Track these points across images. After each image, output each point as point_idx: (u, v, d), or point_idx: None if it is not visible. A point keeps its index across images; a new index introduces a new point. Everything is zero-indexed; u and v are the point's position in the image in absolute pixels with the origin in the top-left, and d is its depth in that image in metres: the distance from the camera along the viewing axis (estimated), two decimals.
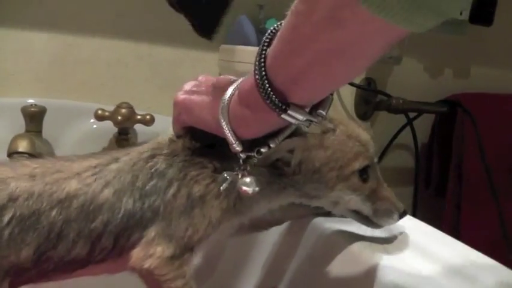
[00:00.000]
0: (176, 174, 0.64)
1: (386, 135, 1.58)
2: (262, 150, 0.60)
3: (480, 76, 1.66)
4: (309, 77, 0.52)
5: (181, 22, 1.29)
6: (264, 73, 0.53)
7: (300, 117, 0.55)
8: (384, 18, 0.42)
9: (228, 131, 0.59)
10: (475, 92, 1.60)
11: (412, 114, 1.55)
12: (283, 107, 0.53)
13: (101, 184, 0.64)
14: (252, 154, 0.60)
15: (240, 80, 0.60)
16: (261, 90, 0.53)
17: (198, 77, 0.69)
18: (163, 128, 0.98)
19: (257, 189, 0.60)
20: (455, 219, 1.56)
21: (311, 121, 0.56)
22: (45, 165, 0.66)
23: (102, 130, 1.19)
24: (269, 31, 0.55)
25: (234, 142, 0.59)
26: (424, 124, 1.61)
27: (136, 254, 0.62)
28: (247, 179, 0.60)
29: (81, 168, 0.65)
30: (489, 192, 1.50)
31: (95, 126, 1.21)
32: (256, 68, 0.53)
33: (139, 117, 1.14)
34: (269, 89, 0.53)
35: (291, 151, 0.63)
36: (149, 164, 0.65)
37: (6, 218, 0.60)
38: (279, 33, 0.52)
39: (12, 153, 0.99)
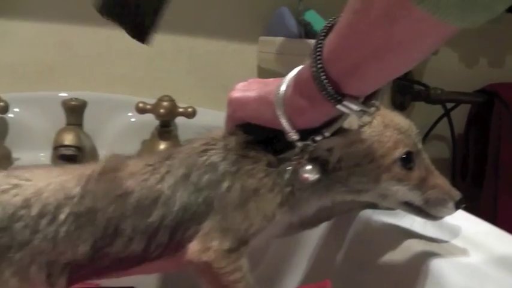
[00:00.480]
0: (229, 168, 0.65)
1: (423, 126, 1.57)
2: (317, 138, 0.60)
3: None
4: (364, 70, 0.53)
5: (221, 14, 1.31)
6: (320, 65, 0.54)
7: (355, 107, 0.56)
8: (438, 18, 0.45)
9: (285, 121, 0.60)
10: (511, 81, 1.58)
11: (449, 105, 1.54)
12: (339, 98, 0.55)
13: (156, 179, 0.64)
14: (308, 142, 0.61)
15: (292, 74, 0.61)
16: (317, 81, 0.55)
17: (248, 80, 0.71)
18: (204, 120, 0.99)
19: (317, 176, 0.62)
20: (492, 210, 1.55)
21: (364, 111, 0.57)
22: (100, 165, 0.67)
23: (142, 123, 1.20)
24: (324, 25, 0.57)
25: (291, 131, 0.60)
26: (460, 114, 1.59)
27: (193, 247, 0.63)
28: (307, 167, 0.61)
29: (136, 168, 0.66)
30: None
31: (132, 119, 1.22)
32: (313, 60, 0.55)
33: (181, 110, 1.14)
34: (325, 81, 0.54)
35: (330, 150, 0.63)
36: (202, 158, 0.66)
37: (62, 216, 0.61)
38: (335, 29, 0.54)
39: (58, 147, 1.01)
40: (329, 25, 0.56)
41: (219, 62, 1.33)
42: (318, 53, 0.55)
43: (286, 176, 0.62)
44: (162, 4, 0.67)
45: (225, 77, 1.33)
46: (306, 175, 0.62)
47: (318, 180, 0.63)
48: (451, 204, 0.66)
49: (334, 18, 0.56)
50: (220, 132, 0.69)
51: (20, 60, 1.21)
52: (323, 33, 0.56)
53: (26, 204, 0.61)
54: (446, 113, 1.54)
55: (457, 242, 0.69)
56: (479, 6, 0.44)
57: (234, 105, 0.67)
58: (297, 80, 0.60)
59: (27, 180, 0.64)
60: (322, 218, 0.78)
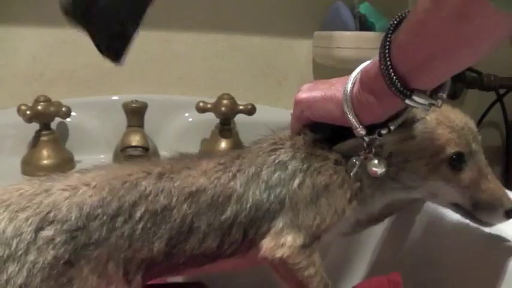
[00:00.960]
0: (300, 166, 0.66)
1: (477, 113, 1.55)
2: (383, 132, 0.63)
3: None
4: (434, 65, 0.55)
5: (275, 11, 1.32)
6: (389, 62, 0.56)
7: (423, 101, 0.57)
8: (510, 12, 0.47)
9: (352, 117, 0.62)
10: None
11: (501, 91, 1.52)
12: (408, 93, 0.56)
13: (228, 177, 0.66)
14: (375, 136, 0.63)
15: (357, 71, 0.63)
16: (386, 78, 0.57)
17: (313, 81, 0.73)
18: (262, 117, 1.00)
19: (384, 169, 0.63)
20: None
21: (432, 104, 0.58)
22: (172, 162, 0.69)
23: (199, 123, 1.22)
24: (390, 22, 0.58)
25: (358, 126, 0.62)
26: None
27: (267, 244, 0.64)
28: (375, 161, 0.63)
29: (209, 167, 0.67)
30: None
31: (190, 119, 1.25)
32: (381, 57, 0.57)
33: (241, 107, 1.15)
34: (394, 77, 0.56)
35: (381, 146, 0.65)
36: (272, 157, 0.68)
37: (138, 214, 0.63)
38: (404, 26, 0.56)
39: (125, 148, 1.03)
40: (395, 22, 0.58)
41: (275, 59, 1.34)
42: (386, 50, 0.57)
43: (354, 170, 0.64)
44: (144, 8, 0.62)
45: (281, 73, 1.35)
46: (374, 169, 0.63)
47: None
48: (501, 212, 0.65)
49: (400, 15, 0.58)
50: (286, 133, 0.72)
51: (78, 66, 1.24)
52: (390, 31, 0.58)
53: (102, 203, 0.63)
54: (499, 99, 1.52)
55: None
56: None
57: (302, 106, 0.69)
58: (364, 77, 0.61)
59: (101, 180, 0.65)
60: (385, 213, 0.78)
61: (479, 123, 1.55)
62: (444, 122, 0.66)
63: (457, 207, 0.67)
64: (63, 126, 1.18)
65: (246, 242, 0.65)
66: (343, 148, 0.66)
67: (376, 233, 0.86)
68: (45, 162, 1.08)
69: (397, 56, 0.56)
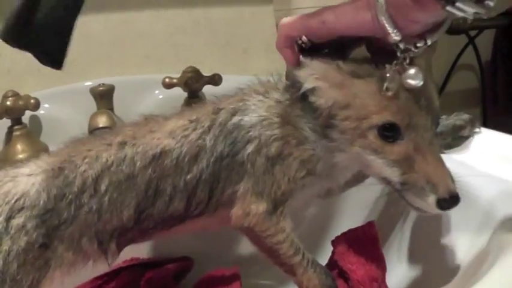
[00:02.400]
0: (257, 131, 0.64)
1: (449, 57, 1.56)
2: (419, 44, 0.56)
3: None
4: None
5: None
6: None
7: (469, 9, 0.51)
8: None
9: (386, 21, 0.55)
10: None
11: (472, 33, 1.52)
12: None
13: (198, 134, 0.65)
14: (410, 47, 0.56)
15: None
16: None
17: None
18: (230, 86, 1.00)
19: (422, 82, 0.56)
20: None
21: (478, 13, 0.51)
22: (135, 129, 0.68)
23: (170, 98, 1.20)
24: None
25: (393, 31, 0.55)
26: (485, 41, 1.58)
27: (235, 213, 0.65)
28: (412, 70, 0.56)
29: (177, 125, 0.66)
30: None
31: (160, 96, 1.24)
32: None
33: (207, 78, 1.14)
34: None
35: (313, 90, 0.61)
36: (236, 117, 0.66)
37: (103, 187, 0.63)
38: None
39: (93, 130, 1.03)
40: None
41: (238, 28, 1.33)
42: None
43: (392, 86, 0.56)
44: (73, 20, 0.62)
45: (245, 42, 1.34)
46: (410, 81, 0.55)
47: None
48: (431, 199, 0.56)
49: None
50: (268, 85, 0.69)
51: None
52: None
53: (67, 182, 0.63)
54: (471, 41, 1.53)
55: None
56: None
57: (326, 15, 0.59)
58: None
59: (63, 160, 0.66)
60: (360, 177, 0.75)
61: (452, 68, 1.56)
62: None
63: (387, 183, 0.60)
64: (35, 119, 1.18)
65: (212, 202, 0.65)
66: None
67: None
68: (20, 156, 1.07)
69: None
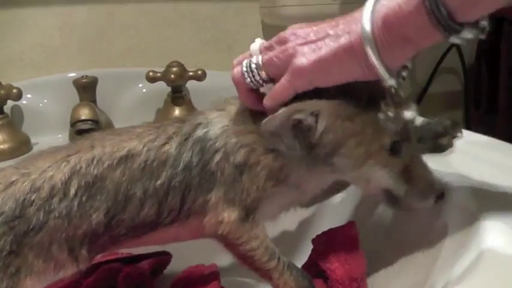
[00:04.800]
0: (224, 140, 0.65)
1: (433, 60, 1.56)
2: (404, 74, 0.58)
3: None
4: None
5: None
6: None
7: (470, 36, 0.51)
8: None
9: (381, 67, 0.54)
10: None
11: None
12: (458, 29, 0.50)
13: (163, 140, 0.65)
14: (400, 80, 0.58)
15: (370, 10, 0.54)
16: (434, 16, 0.50)
17: (284, 34, 0.61)
18: (214, 82, 1.00)
19: (415, 114, 0.60)
20: (508, 134, 1.55)
21: (477, 36, 0.52)
22: (104, 135, 0.68)
23: (154, 92, 1.21)
24: None
25: (389, 77, 0.55)
26: (469, 44, 1.58)
27: (208, 222, 0.65)
28: (407, 103, 0.60)
29: (143, 131, 0.67)
30: None
31: (144, 90, 1.24)
32: None
33: (191, 73, 1.15)
34: (443, 12, 0.49)
35: (316, 115, 0.60)
36: (201, 129, 0.66)
37: (72, 190, 0.63)
38: None
39: (75, 122, 1.02)
40: None
41: (223, 23, 1.33)
42: None
43: (390, 123, 0.59)
44: None
45: (229, 37, 1.34)
46: (406, 112, 0.60)
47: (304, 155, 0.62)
48: (432, 198, 0.63)
49: None
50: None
51: (26, 48, 1.22)
52: None
53: (35, 187, 0.62)
54: (454, 44, 1.53)
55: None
56: None
57: (309, 76, 0.58)
58: (391, 17, 0.52)
59: (33, 165, 0.65)
60: (337, 188, 0.76)
61: (436, 70, 1.56)
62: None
63: (387, 193, 0.64)
64: (17, 110, 1.17)
65: (184, 210, 0.65)
66: (271, 126, 0.60)
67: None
68: (1, 147, 1.07)
69: None
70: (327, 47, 0.56)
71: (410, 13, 0.51)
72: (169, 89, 1.17)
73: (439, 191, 0.63)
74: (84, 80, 1.12)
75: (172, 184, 0.64)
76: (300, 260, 0.72)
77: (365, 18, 0.54)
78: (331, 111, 0.60)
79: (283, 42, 0.61)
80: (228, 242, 0.66)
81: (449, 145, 0.74)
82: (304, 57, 0.57)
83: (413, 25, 0.51)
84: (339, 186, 0.76)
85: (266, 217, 0.67)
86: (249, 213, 0.64)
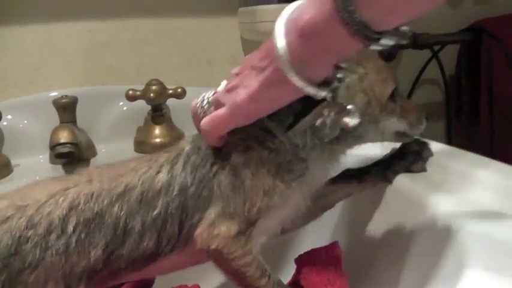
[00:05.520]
0: (217, 152, 0.64)
1: (413, 71, 1.57)
2: (339, 75, 0.57)
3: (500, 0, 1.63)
4: (410, 2, 0.47)
5: None
6: (351, 8, 0.47)
7: (391, 42, 0.50)
8: None
9: (305, 85, 0.54)
10: (497, 15, 1.57)
11: (436, 47, 1.54)
12: (376, 37, 0.49)
13: (155, 170, 0.65)
14: (336, 85, 0.57)
15: (282, 28, 0.53)
16: (350, 26, 0.48)
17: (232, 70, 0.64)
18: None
19: (358, 120, 0.59)
20: (489, 145, 1.56)
21: (398, 43, 0.51)
22: (100, 169, 0.68)
23: (134, 110, 1.20)
24: None
25: (316, 91, 0.55)
26: (449, 55, 1.59)
27: (201, 235, 0.62)
28: (349, 107, 0.59)
29: (137, 164, 0.66)
30: None
31: (125, 108, 1.22)
32: (339, 3, 0.47)
33: (170, 91, 1.14)
34: (359, 22, 0.48)
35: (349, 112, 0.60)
36: (193, 144, 0.66)
37: (70, 227, 0.61)
38: None
39: (54, 146, 1.00)
40: None
41: (202, 39, 1.33)
42: None
43: (328, 131, 0.59)
44: None
45: (209, 53, 1.33)
46: (347, 119, 0.59)
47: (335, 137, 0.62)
48: (424, 120, 0.70)
49: None
50: None
51: (6, 67, 1.20)
52: None
53: (31, 224, 0.61)
54: (434, 55, 1.54)
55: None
56: None
57: (248, 110, 0.60)
58: (308, 30, 0.51)
59: (29, 198, 0.64)
60: (325, 206, 0.76)
61: (417, 81, 1.57)
62: (378, 67, 0.65)
63: (397, 134, 0.69)
64: None
65: (183, 235, 0.63)
66: (302, 127, 0.61)
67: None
68: None
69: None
70: (256, 81, 0.57)
71: (326, 25, 0.49)
72: (149, 106, 1.16)
73: (424, 113, 0.70)
74: (64, 100, 1.10)
75: (169, 211, 0.63)
76: (283, 279, 0.71)
77: (279, 42, 0.53)
78: (344, 94, 0.61)
79: (229, 83, 0.63)
80: (221, 257, 0.63)
81: (423, 170, 0.74)
82: (239, 93, 0.59)
83: (331, 36, 0.50)
84: (318, 211, 0.76)
85: (264, 232, 0.66)
86: (248, 226, 0.62)
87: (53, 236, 0.61)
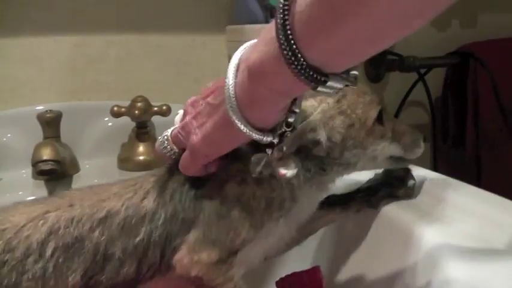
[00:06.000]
0: (208, 177, 0.62)
1: (399, 94, 1.58)
2: (290, 120, 0.55)
3: (488, 23, 1.64)
4: (356, 46, 0.44)
5: (185, 8, 1.30)
6: (295, 47, 0.44)
7: (339, 85, 0.48)
8: None
9: (251, 132, 0.54)
10: (484, 40, 1.58)
11: (423, 70, 1.55)
12: (323, 80, 0.46)
13: (141, 196, 0.63)
14: (283, 130, 0.55)
15: (233, 72, 0.53)
16: (294, 67, 0.45)
17: (186, 106, 0.64)
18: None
19: (296, 170, 0.56)
20: (475, 169, 1.57)
21: (347, 85, 0.49)
22: (83, 192, 0.66)
23: (119, 126, 1.19)
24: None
25: (262, 137, 0.55)
26: (435, 79, 1.60)
27: (181, 261, 0.61)
28: (284, 159, 0.56)
29: (121, 189, 0.64)
30: (506, 136, 1.51)
31: (110, 124, 1.22)
32: (283, 42, 0.44)
33: (156, 108, 1.13)
34: (304, 64, 0.45)
35: (313, 130, 0.60)
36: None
37: (49, 251, 0.60)
38: (309, 2, 0.43)
39: (37, 163, 0.99)
40: None
41: (190, 56, 1.33)
42: (288, 33, 0.44)
43: (258, 169, 0.57)
44: None
45: (197, 70, 1.33)
46: (283, 170, 0.56)
47: (311, 174, 0.62)
48: (422, 143, 0.69)
49: None
50: None
51: None
52: (285, 8, 0.44)
53: (9, 247, 0.60)
54: (421, 78, 1.55)
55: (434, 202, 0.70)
56: None
57: (206, 150, 0.59)
58: (256, 74, 0.50)
59: (8, 221, 0.62)
60: (307, 232, 0.74)
61: (403, 103, 1.58)
62: (359, 90, 0.64)
63: (392, 159, 0.68)
64: None
65: (164, 261, 0.62)
66: (257, 169, 0.58)
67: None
68: None
69: (305, 38, 0.44)
70: (210, 121, 0.57)
71: (272, 65, 0.48)
72: (134, 123, 1.15)
73: (420, 134, 0.69)
74: (48, 115, 1.09)
75: (153, 239, 0.61)
76: None
77: (229, 82, 0.52)
78: (320, 117, 0.61)
79: (185, 114, 0.63)
80: (201, 284, 0.62)
81: (408, 196, 0.73)
82: (195, 134, 0.59)
83: (277, 78, 0.48)
84: (301, 237, 0.74)
85: (246, 261, 0.64)
86: (230, 254, 0.61)
87: (30, 260, 0.59)
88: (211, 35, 1.33)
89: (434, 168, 1.60)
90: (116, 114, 1.12)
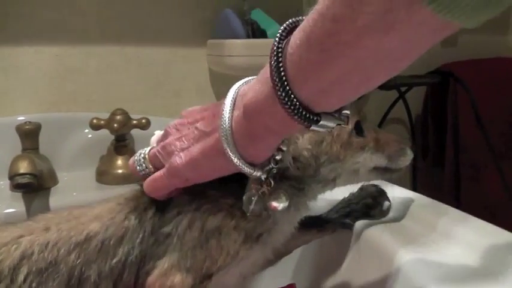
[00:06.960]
0: (188, 206, 0.62)
1: (380, 111, 1.59)
2: (278, 157, 0.57)
3: (468, 43, 1.66)
4: (345, 86, 0.45)
5: (166, 21, 1.29)
6: (288, 88, 0.46)
7: (331, 124, 0.49)
8: (449, 18, 0.38)
9: (245, 166, 0.55)
10: (464, 59, 1.60)
11: (403, 88, 1.56)
12: (315, 119, 0.48)
13: (124, 215, 0.62)
14: (270, 166, 0.57)
15: (229, 109, 0.54)
16: (287, 107, 0.47)
17: (168, 127, 0.64)
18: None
19: (287, 202, 0.58)
20: (454, 187, 1.58)
21: (339, 125, 0.50)
22: (60, 216, 0.64)
23: (98, 139, 1.18)
24: (277, 38, 0.47)
25: (252, 171, 0.56)
26: (415, 96, 1.62)
27: (153, 285, 0.60)
28: (275, 193, 0.57)
29: (103, 209, 0.64)
30: (486, 156, 1.52)
31: (90, 135, 1.20)
32: (277, 82, 0.46)
33: (135, 122, 1.13)
34: (297, 104, 0.47)
35: (279, 149, 0.58)
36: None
37: (21, 277, 0.58)
38: (303, 41, 0.44)
39: (13, 176, 0.97)
40: (283, 36, 0.47)
41: (170, 69, 1.32)
42: (281, 74, 0.46)
43: (251, 208, 0.58)
44: None
45: (177, 84, 1.33)
46: (274, 204, 0.57)
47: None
48: (409, 151, 0.68)
49: (289, 25, 0.48)
50: None
51: None
52: (280, 49, 0.47)
53: None
54: (401, 96, 1.56)
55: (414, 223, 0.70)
56: (493, 4, 0.37)
57: (187, 172, 0.59)
58: (250, 112, 0.52)
59: None
60: (282, 252, 0.74)
61: (383, 121, 1.59)
62: None
63: (376, 170, 0.67)
64: None
65: (138, 284, 0.61)
66: (250, 207, 0.58)
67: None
68: None
69: (298, 78, 0.46)
70: (198, 146, 0.57)
71: (266, 104, 0.49)
72: (113, 135, 1.15)
73: (408, 143, 0.69)
74: (27, 127, 1.08)
75: (129, 260, 0.60)
76: None
77: (225, 115, 0.54)
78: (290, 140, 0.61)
79: (166, 135, 0.63)
80: None
81: (382, 216, 0.74)
82: (179, 156, 0.59)
83: (272, 116, 0.50)
84: (276, 258, 0.74)
85: (223, 285, 0.63)
86: (204, 279, 0.60)
87: (2, 286, 0.58)
88: (192, 49, 1.33)
89: (414, 187, 1.61)
90: (95, 127, 1.11)
